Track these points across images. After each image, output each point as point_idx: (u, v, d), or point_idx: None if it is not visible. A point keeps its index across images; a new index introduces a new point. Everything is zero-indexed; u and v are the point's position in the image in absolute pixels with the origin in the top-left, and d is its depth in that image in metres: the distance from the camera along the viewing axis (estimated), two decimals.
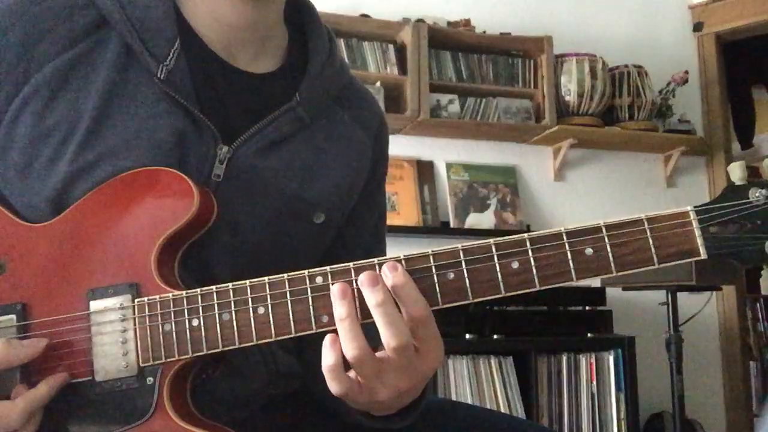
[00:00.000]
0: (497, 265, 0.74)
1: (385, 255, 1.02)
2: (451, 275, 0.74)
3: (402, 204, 3.24)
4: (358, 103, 1.04)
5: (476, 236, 3.29)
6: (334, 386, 0.74)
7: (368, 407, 0.81)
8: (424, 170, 3.37)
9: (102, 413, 0.79)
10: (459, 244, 0.75)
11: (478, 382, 2.88)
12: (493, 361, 2.91)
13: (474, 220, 3.35)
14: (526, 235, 0.75)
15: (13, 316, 0.81)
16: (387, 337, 0.71)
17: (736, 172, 0.73)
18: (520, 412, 2.89)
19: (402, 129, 3.29)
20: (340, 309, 0.73)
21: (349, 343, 0.72)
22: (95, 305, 0.80)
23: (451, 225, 3.31)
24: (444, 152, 3.42)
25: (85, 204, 0.83)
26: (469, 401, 2.82)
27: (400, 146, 3.31)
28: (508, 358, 2.94)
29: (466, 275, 0.74)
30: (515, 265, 0.74)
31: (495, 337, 2.91)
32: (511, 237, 0.75)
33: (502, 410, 2.83)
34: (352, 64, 3.17)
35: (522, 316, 2.97)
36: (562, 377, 3.00)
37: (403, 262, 0.75)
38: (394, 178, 3.26)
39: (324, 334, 0.75)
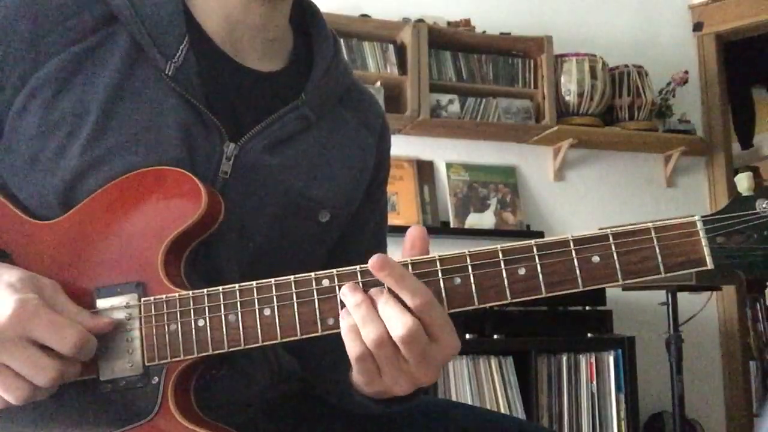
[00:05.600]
0: (504, 271, 0.74)
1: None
2: (458, 280, 0.74)
3: (402, 204, 3.24)
4: (362, 104, 1.05)
5: (476, 236, 3.29)
6: (353, 347, 0.73)
7: (378, 396, 0.80)
8: (424, 170, 3.37)
9: (106, 411, 0.79)
10: (461, 245, 0.75)
11: (478, 382, 2.88)
12: (493, 361, 2.91)
13: (474, 220, 3.35)
14: (533, 241, 0.74)
15: None
16: (394, 330, 0.71)
17: (743, 183, 0.72)
18: (520, 412, 2.89)
19: (402, 129, 3.29)
20: (353, 298, 0.73)
21: (368, 326, 0.72)
22: (101, 303, 0.80)
23: (451, 225, 3.31)
24: (444, 152, 3.42)
25: (93, 202, 0.83)
26: (469, 401, 2.82)
27: (400, 146, 3.31)
28: (508, 358, 2.94)
29: (472, 281, 0.74)
30: (522, 271, 0.74)
31: (495, 337, 2.91)
32: (518, 243, 0.75)
33: (502, 410, 2.83)
34: (352, 64, 3.17)
35: (522, 316, 2.97)
36: (562, 377, 3.00)
37: (409, 266, 0.74)
38: (394, 178, 3.25)
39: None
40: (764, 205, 0.71)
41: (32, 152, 0.84)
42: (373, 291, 0.74)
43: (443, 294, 0.74)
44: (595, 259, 0.73)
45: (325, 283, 0.76)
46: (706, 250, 0.72)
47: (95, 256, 0.82)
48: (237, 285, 0.78)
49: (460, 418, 0.99)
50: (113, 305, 0.80)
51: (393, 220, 3.11)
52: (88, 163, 0.83)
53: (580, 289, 0.73)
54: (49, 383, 0.73)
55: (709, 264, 0.71)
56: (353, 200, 1.00)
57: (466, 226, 3.32)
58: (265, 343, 0.77)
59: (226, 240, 0.87)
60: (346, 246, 1.02)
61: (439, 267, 0.75)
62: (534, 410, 2.91)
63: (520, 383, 2.93)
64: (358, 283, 0.75)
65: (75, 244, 0.82)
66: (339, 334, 0.75)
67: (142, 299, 0.80)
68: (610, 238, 0.73)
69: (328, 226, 0.96)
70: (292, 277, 0.77)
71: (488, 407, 2.80)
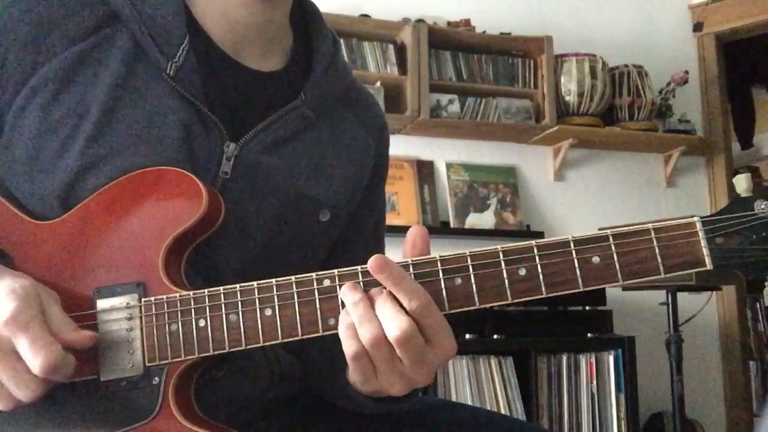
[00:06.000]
0: (504, 271, 0.74)
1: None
2: (458, 281, 0.74)
3: (402, 204, 3.24)
4: (361, 104, 1.05)
5: (476, 236, 3.29)
6: (349, 345, 0.73)
7: (373, 393, 0.81)
8: (424, 170, 3.37)
9: (106, 412, 0.78)
10: (461, 245, 0.75)
11: (478, 382, 2.88)
12: (493, 361, 2.91)
13: (474, 220, 3.35)
14: (533, 242, 0.74)
15: None
16: (389, 331, 0.71)
17: (742, 184, 0.73)
18: (520, 412, 2.89)
19: (402, 129, 3.29)
20: (352, 296, 0.73)
21: (365, 325, 0.72)
22: (102, 304, 0.80)
23: (451, 225, 3.31)
24: (444, 152, 3.42)
25: (93, 202, 0.83)
26: (469, 401, 2.82)
27: (400, 146, 3.31)
28: (508, 358, 2.94)
29: (473, 281, 0.74)
30: (522, 271, 0.74)
31: (495, 337, 2.91)
32: (518, 244, 0.75)
33: (502, 410, 2.84)
34: (352, 64, 3.17)
35: (522, 316, 2.97)
36: (562, 377, 3.00)
37: (410, 266, 0.75)
38: (394, 178, 3.25)
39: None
40: (762, 206, 0.71)
41: (32, 151, 0.84)
42: (372, 291, 0.74)
43: (444, 294, 0.74)
44: (596, 259, 0.73)
45: (327, 283, 0.76)
46: (705, 251, 0.72)
47: (95, 256, 0.82)
48: (238, 285, 0.78)
49: (459, 418, 1.00)
50: (113, 305, 0.80)
51: (393, 220, 3.11)
52: (88, 163, 0.83)
53: (581, 289, 0.74)
54: (29, 398, 0.73)
55: (708, 265, 0.72)
56: (353, 199, 1.01)
57: (466, 226, 3.32)
58: (266, 344, 0.77)
59: (226, 240, 0.87)
60: (345, 245, 1.02)
61: (440, 267, 0.75)
62: (534, 410, 2.91)
63: (520, 383, 2.93)
64: (359, 282, 0.75)
65: (75, 244, 0.82)
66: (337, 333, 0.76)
67: (143, 299, 0.79)
68: (611, 239, 0.73)
69: (328, 226, 0.96)
70: (293, 277, 0.77)
71: (488, 407, 2.80)
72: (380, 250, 1.09)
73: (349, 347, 0.73)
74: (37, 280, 0.80)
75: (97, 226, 0.82)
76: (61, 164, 0.83)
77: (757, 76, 4.94)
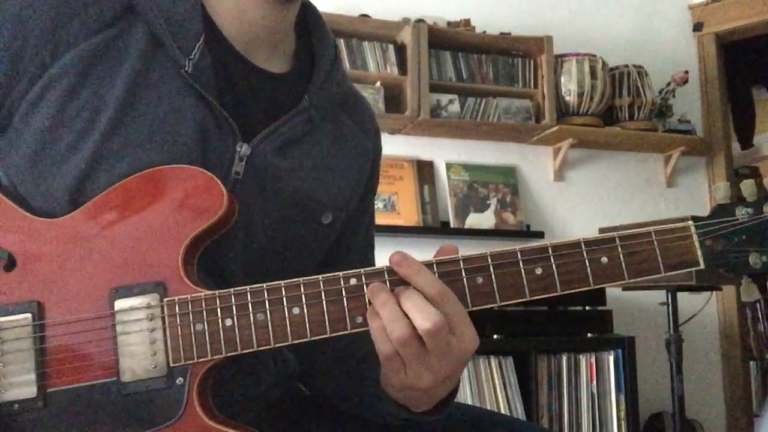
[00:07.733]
0: (522, 270, 0.79)
1: (374, 258, 1.09)
2: (480, 279, 0.79)
3: (402, 204, 3.24)
4: (359, 109, 1.06)
5: (476, 236, 3.29)
6: (384, 347, 0.76)
7: (407, 400, 0.82)
8: (424, 170, 3.37)
9: (129, 414, 0.78)
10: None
11: (478, 382, 2.89)
12: (493, 361, 2.92)
13: (474, 220, 3.35)
14: (548, 242, 0.80)
15: (29, 315, 0.79)
16: (420, 321, 0.74)
17: (720, 192, 0.81)
18: (520, 412, 2.89)
19: (402, 129, 3.29)
20: (381, 296, 0.76)
21: (394, 324, 0.74)
22: (120, 304, 0.79)
23: (451, 225, 3.31)
24: (444, 152, 3.42)
25: (105, 199, 0.81)
26: (469, 401, 2.82)
27: (400, 146, 3.31)
28: (508, 358, 2.94)
29: (494, 279, 0.79)
30: (539, 270, 0.80)
31: (495, 337, 2.91)
32: (534, 245, 0.81)
33: (502, 410, 2.84)
34: (352, 64, 3.17)
35: (522, 316, 2.97)
36: (562, 377, 3.00)
37: (434, 266, 0.78)
38: (394, 178, 3.25)
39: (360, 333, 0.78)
40: (743, 212, 0.80)
41: (41, 145, 0.82)
42: (398, 288, 0.77)
43: (467, 292, 0.79)
44: (604, 259, 0.80)
45: (353, 282, 0.78)
46: (699, 252, 0.80)
47: (110, 255, 0.80)
48: (265, 284, 0.78)
49: (459, 418, 1.00)
50: (132, 305, 0.79)
51: (393, 220, 3.11)
52: (101, 158, 0.81)
53: (592, 287, 0.80)
54: None
55: (702, 264, 0.80)
56: (352, 202, 1.02)
57: (466, 226, 3.32)
58: (294, 342, 0.78)
59: (232, 240, 0.87)
60: (340, 248, 1.03)
61: (462, 266, 0.79)
62: (534, 410, 2.91)
63: (520, 383, 2.93)
64: (385, 281, 0.78)
65: (87, 242, 0.81)
66: (363, 348, 0.79)
67: (166, 299, 0.79)
68: (617, 240, 0.80)
69: (329, 228, 0.97)
70: (320, 276, 0.78)
71: (488, 407, 2.80)
72: (371, 252, 1.11)
73: (382, 349, 0.76)
74: (47, 279, 0.80)
75: (111, 224, 0.81)
76: (74, 159, 0.81)
77: (757, 76, 4.94)
